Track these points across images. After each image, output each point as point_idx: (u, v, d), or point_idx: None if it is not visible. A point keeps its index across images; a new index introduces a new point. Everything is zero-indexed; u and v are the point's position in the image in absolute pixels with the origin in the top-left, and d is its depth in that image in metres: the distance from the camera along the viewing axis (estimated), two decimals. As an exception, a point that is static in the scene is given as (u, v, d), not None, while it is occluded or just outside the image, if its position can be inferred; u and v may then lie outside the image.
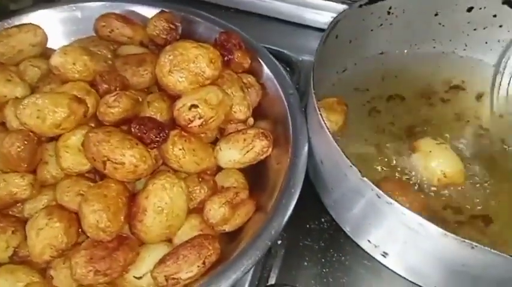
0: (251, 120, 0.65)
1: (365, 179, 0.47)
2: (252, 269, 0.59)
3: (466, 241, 0.42)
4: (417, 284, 0.55)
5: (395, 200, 0.45)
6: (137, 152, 0.49)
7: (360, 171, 0.47)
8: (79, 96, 0.53)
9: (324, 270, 0.61)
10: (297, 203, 0.62)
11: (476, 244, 0.42)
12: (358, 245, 0.57)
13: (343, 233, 0.59)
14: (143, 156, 0.49)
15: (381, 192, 0.46)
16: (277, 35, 0.88)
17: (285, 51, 0.82)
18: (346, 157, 0.48)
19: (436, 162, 0.59)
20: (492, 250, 0.42)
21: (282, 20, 0.89)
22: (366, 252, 0.56)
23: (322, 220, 0.65)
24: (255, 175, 0.61)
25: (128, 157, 0.49)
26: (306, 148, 0.57)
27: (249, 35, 0.71)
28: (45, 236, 0.48)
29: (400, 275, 0.55)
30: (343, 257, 0.62)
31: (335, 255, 0.62)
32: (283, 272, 0.61)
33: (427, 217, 0.44)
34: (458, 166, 0.59)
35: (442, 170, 0.59)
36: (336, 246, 0.63)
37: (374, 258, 0.56)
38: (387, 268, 0.55)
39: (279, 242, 0.63)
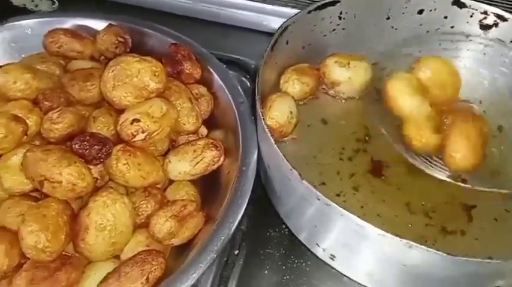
0: (204, 131, 0.64)
1: (304, 181, 0.47)
2: (210, 281, 0.59)
3: (403, 240, 0.42)
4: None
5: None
6: (74, 170, 0.48)
7: (300, 174, 0.47)
8: (21, 115, 0.53)
9: (285, 277, 0.61)
10: (255, 211, 0.63)
11: (413, 243, 0.42)
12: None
13: (303, 239, 0.59)
14: (81, 174, 0.49)
15: (320, 194, 0.46)
16: (237, 43, 0.88)
17: (244, 59, 0.82)
18: (287, 160, 0.48)
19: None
20: (428, 249, 0.42)
21: (241, 27, 0.89)
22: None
23: (283, 226, 0.65)
24: (208, 185, 0.60)
25: (65, 175, 0.48)
26: (255, 157, 0.57)
27: (208, 44, 0.71)
28: (-14, 258, 0.47)
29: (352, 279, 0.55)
30: (304, 264, 0.62)
31: (296, 262, 0.62)
32: (242, 282, 0.60)
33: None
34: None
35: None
36: (296, 252, 0.63)
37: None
38: (338, 271, 0.55)
39: (236, 252, 0.62)
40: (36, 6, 0.83)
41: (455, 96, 0.66)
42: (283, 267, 0.62)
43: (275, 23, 0.87)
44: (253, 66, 0.82)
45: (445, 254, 0.42)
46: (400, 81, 0.65)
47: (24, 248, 0.46)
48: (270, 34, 0.88)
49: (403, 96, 0.64)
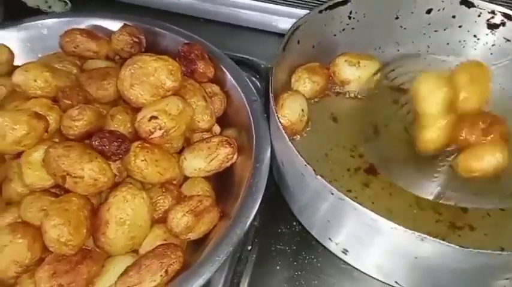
0: (217, 129, 0.66)
1: (318, 177, 0.48)
2: (224, 276, 0.60)
3: (415, 233, 0.43)
4: (386, 283, 0.56)
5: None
6: (96, 165, 0.50)
7: (314, 169, 0.48)
8: (41, 112, 0.54)
9: (296, 273, 0.62)
10: (267, 208, 0.64)
11: (426, 236, 0.43)
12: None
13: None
14: (103, 169, 0.50)
15: (333, 189, 0.47)
16: (246, 43, 0.89)
17: (254, 59, 0.83)
18: (301, 156, 0.49)
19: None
20: (440, 241, 0.43)
21: (252, 28, 0.90)
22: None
23: (294, 223, 0.66)
24: (222, 182, 0.62)
25: (87, 171, 0.49)
26: (268, 154, 0.58)
27: (218, 44, 0.72)
28: (9, 252, 0.48)
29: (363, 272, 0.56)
30: (315, 259, 0.63)
31: (307, 257, 0.63)
32: (254, 278, 0.61)
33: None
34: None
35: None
36: (307, 248, 0.64)
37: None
38: (350, 265, 0.56)
39: (249, 247, 0.63)
40: (50, 7, 0.85)
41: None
42: (295, 263, 0.63)
43: (284, 24, 0.88)
44: (263, 66, 0.83)
45: (456, 247, 0.43)
46: (432, 81, 0.63)
47: (47, 241, 0.47)
48: (278, 34, 0.90)
49: (431, 96, 0.62)
